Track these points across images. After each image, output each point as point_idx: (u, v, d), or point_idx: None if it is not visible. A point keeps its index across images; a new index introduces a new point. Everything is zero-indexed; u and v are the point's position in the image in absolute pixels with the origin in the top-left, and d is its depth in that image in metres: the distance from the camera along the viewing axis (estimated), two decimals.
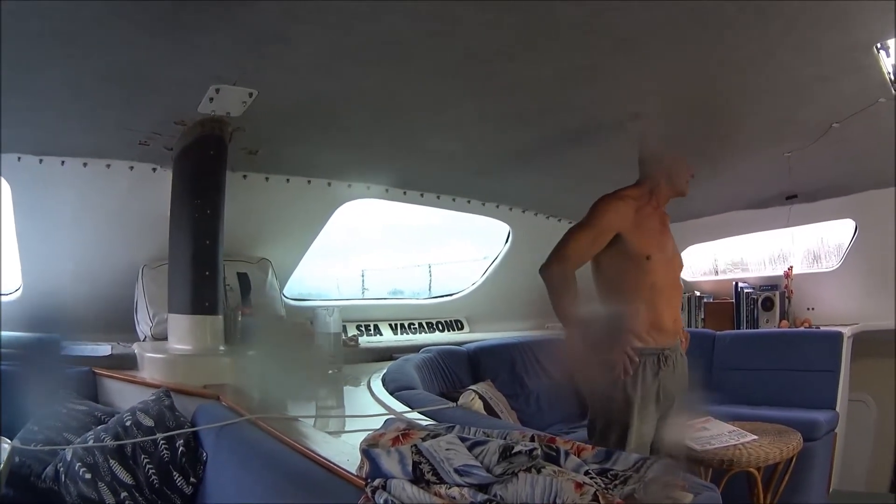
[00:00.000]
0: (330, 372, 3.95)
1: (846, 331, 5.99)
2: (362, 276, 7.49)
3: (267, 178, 4.77)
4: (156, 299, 4.23)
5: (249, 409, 2.84)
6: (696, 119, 4.36)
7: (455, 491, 1.41)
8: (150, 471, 2.81)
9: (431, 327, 6.52)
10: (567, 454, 1.56)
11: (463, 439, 1.60)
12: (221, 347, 3.77)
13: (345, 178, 5.14)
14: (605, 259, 3.78)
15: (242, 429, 2.62)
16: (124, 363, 3.97)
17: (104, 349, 4.13)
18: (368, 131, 4.24)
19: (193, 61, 3.18)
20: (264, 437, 2.45)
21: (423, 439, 1.62)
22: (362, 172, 5.12)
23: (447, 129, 4.30)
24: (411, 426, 1.74)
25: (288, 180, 4.86)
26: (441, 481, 1.47)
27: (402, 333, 6.26)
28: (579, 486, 1.33)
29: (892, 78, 3.88)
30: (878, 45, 3.54)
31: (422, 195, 5.75)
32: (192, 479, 2.82)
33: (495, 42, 3.15)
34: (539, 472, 1.40)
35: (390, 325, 6.22)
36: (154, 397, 3.16)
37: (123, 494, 2.77)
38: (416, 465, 1.52)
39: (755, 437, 4.54)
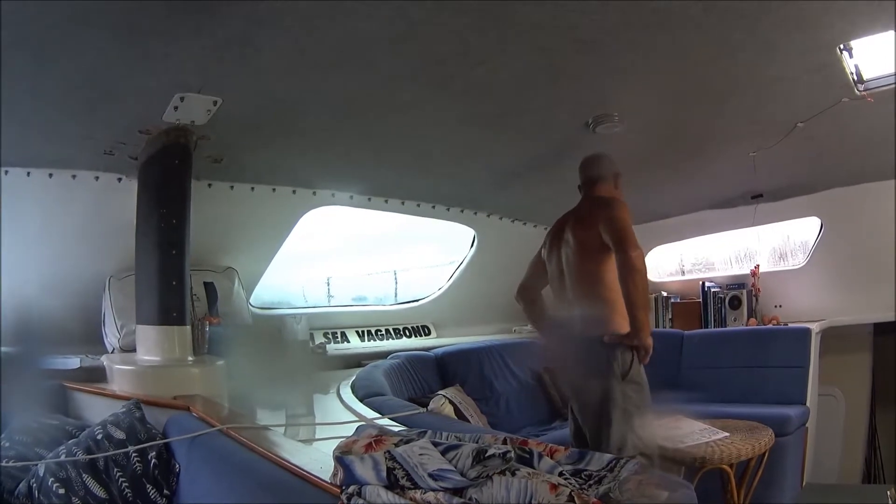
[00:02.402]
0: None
1: (814, 327, 6.05)
2: (328, 283, 7.47)
3: (232, 187, 4.75)
4: (123, 310, 4.20)
5: (220, 418, 2.83)
6: (660, 120, 4.42)
7: (430, 496, 1.41)
8: (124, 484, 2.78)
9: (398, 333, 6.53)
10: (540, 456, 1.57)
11: (436, 444, 1.60)
12: (190, 358, 3.76)
13: (309, 186, 5.14)
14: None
15: (214, 439, 2.60)
16: (93, 376, 3.94)
17: (73, 362, 4.09)
18: (331, 137, 4.25)
19: (157, 69, 3.18)
20: (236, 447, 2.43)
21: (396, 445, 1.62)
22: (326, 179, 5.12)
23: (410, 134, 4.32)
24: (383, 432, 1.74)
25: (253, 188, 4.85)
26: (416, 486, 1.47)
27: (369, 340, 6.26)
28: (554, 487, 1.33)
29: (856, 78, 3.95)
30: (842, 46, 3.59)
31: (386, 201, 5.76)
32: (165, 491, 2.79)
33: (456, 45, 3.17)
34: (514, 474, 1.40)
35: (357, 331, 6.22)
36: (125, 410, 3.13)
37: None
38: (390, 470, 1.52)
39: (726, 434, 4.58)
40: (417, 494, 1.44)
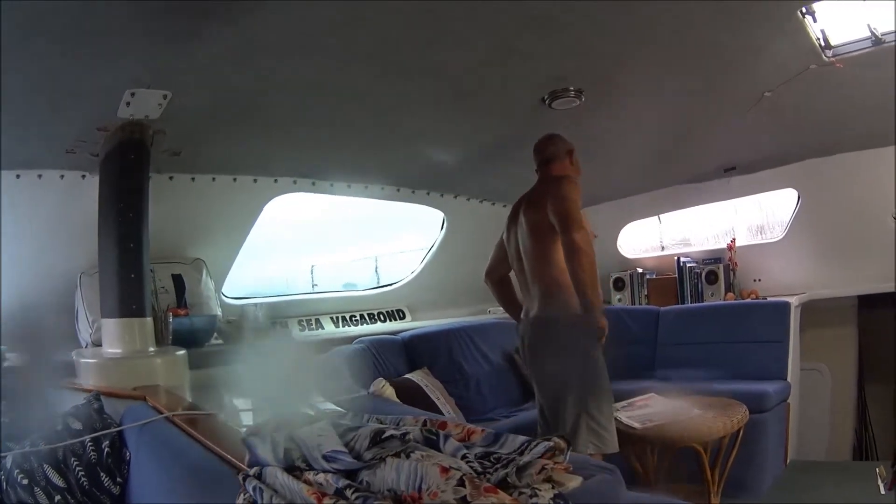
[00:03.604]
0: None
1: (793, 300, 6.03)
2: (311, 271, 7.49)
3: (193, 179, 4.74)
4: (94, 306, 4.20)
5: (174, 407, 2.87)
6: (618, 94, 4.42)
7: (321, 477, 1.42)
8: (80, 473, 2.82)
9: (373, 318, 6.55)
10: (447, 438, 1.55)
11: (338, 426, 1.62)
12: (151, 348, 3.79)
13: (270, 174, 5.14)
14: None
15: (160, 427, 2.64)
16: (67, 371, 3.96)
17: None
18: (288, 124, 4.27)
19: (109, 68, 3.21)
20: (177, 434, 2.47)
21: (300, 427, 1.64)
22: (287, 167, 5.13)
23: (367, 118, 4.33)
24: (294, 415, 1.76)
25: (214, 179, 4.84)
26: (311, 468, 1.49)
27: (343, 326, 6.27)
28: (445, 470, 1.31)
29: (823, 44, 3.92)
30: (804, 10, 3.57)
31: (349, 186, 5.77)
32: (118, 479, 2.83)
33: (405, 28, 3.21)
34: (408, 457, 1.40)
35: (332, 318, 6.23)
36: (84, 402, 3.16)
37: (57, 498, 2.78)
38: (287, 452, 1.54)
39: (699, 411, 4.55)
40: (311, 476, 1.45)
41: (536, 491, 1.33)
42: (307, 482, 1.44)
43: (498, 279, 4.56)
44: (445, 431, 1.62)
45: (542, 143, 4.25)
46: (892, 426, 5.89)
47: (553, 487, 1.37)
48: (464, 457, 1.46)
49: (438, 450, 1.51)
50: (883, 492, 4.73)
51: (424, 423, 1.69)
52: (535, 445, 1.48)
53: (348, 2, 2.93)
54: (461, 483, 1.29)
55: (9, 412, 3.18)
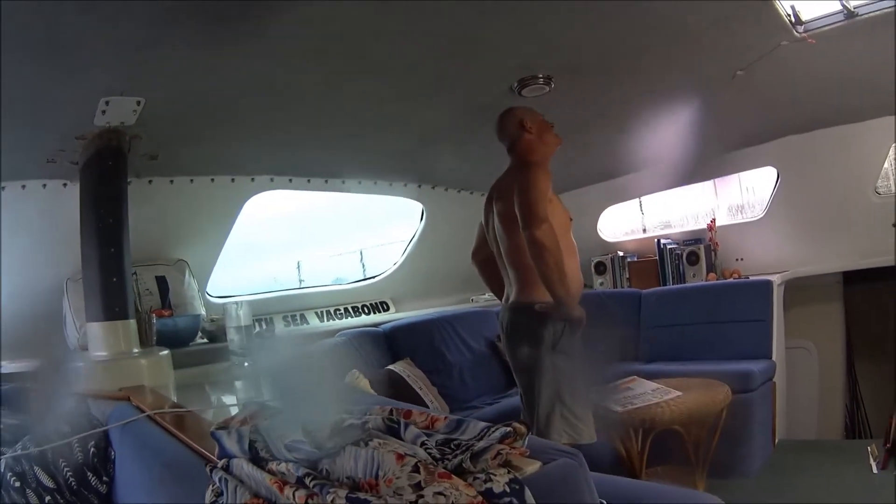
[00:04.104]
0: (245, 365, 4.02)
1: (776, 279, 6.04)
2: (298, 267, 7.53)
3: (171, 181, 4.80)
4: (80, 311, 4.24)
5: (157, 406, 2.92)
6: (588, 78, 4.41)
7: (283, 466, 1.44)
8: (68, 473, 2.87)
9: (357, 311, 6.57)
10: (408, 426, 1.56)
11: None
12: (136, 350, 3.83)
13: (247, 173, 5.21)
14: None
15: (142, 426, 2.69)
16: (32, 377, 3.99)
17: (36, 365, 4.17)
18: (260, 123, 4.32)
19: (81, 78, 3.28)
20: (158, 432, 2.52)
21: (266, 419, 1.68)
22: (262, 165, 5.19)
23: (337, 113, 4.38)
24: (262, 408, 1.78)
25: (192, 180, 4.91)
26: (274, 458, 1.51)
27: (328, 320, 6.31)
28: (401, 457, 1.32)
29: (793, 20, 3.93)
30: None
31: (325, 181, 5.82)
32: (104, 478, 2.89)
33: (364, 23, 3.25)
34: (366, 445, 1.41)
35: (316, 312, 6.27)
36: (73, 404, 3.22)
37: (48, 498, 2.84)
38: (252, 443, 1.57)
39: (679, 393, 4.55)
40: (274, 465, 1.49)
41: (491, 476, 1.33)
42: (271, 472, 1.46)
43: (483, 259, 4.50)
44: (409, 420, 1.63)
45: (497, 126, 4.24)
46: (885, 403, 5.85)
47: (509, 472, 1.37)
48: (423, 444, 1.47)
49: (399, 438, 1.53)
50: (875, 471, 4.74)
51: (390, 412, 1.69)
52: (494, 431, 1.48)
53: (312, 1, 2.99)
54: (416, 469, 1.30)
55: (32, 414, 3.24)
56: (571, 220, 4.17)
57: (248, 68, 3.52)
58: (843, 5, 3.97)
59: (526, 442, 1.52)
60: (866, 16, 3.97)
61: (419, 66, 3.88)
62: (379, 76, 3.92)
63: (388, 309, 6.83)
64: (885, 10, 3.91)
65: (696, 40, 4.05)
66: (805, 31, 4.08)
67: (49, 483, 2.87)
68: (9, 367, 4.09)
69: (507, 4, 3.28)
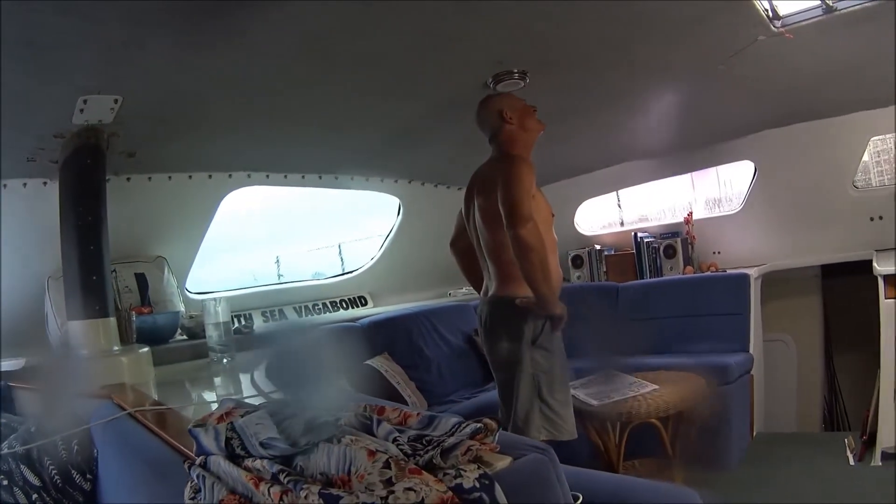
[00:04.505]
0: (224, 361, 4.05)
1: (753, 272, 6.10)
2: (277, 262, 7.53)
3: (150, 178, 4.83)
4: (62, 309, 4.25)
5: (138, 403, 2.93)
6: (564, 73, 4.42)
7: (258, 463, 1.47)
8: (53, 471, 2.90)
9: (336, 306, 6.61)
10: (380, 422, 1.60)
11: (275, 413, 1.67)
12: (116, 348, 3.84)
13: (224, 170, 5.23)
14: None
15: (124, 424, 2.70)
16: (37, 374, 4.00)
17: (19, 363, 4.19)
18: (236, 120, 4.34)
19: (58, 78, 3.29)
20: (139, 429, 2.53)
21: (242, 416, 1.70)
22: (239, 161, 5.22)
23: (313, 109, 4.37)
24: (238, 405, 1.80)
25: (170, 178, 4.93)
26: (250, 455, 1.54)
27: (306, 315, 6.30)
28: (372, 453, 1.35)
29: (771, 15, 3.96)
30: None
31: (303, 177, 5.85)
32: (88, 476, 2.91)
33: (335, 19, 3.27)
34: (339, 441, 1.44)
35: (294, 308, 6.29)
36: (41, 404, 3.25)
37: (34, 496, 2.86)
38: (228, 440, 1.59)
39: (655, 387, 4.61)
40: (250, 462, 1.51)
41: (462, 472, 1.36)
42: (247, 469, 1.49)
43: (462, 249, 4.48)
44: (382, 416, 1.66)
45: (476, 118, 4.20)
46: (863, 396, 5.88)
47: (479, 468, 1.40)
48: (395, 440, 1.50)
49: (372, 434, 1.56)
50: (852, 462, 4.80)
51: (364, 409, 1.72)
52: (465, 427, 1.51)
53: (285, 1, 3.01)
54: (387, 465, 1.33)
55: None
56: (553, 215, 4.17)
57: (224, 66, 3.55)
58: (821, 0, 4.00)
59: (496, 438, 1.55)
60: (845, 10, 4.01)
61: (394, 62, 3.89)
62: (355, 72, 3.94)
63: (365, 304, 6.85)
64: (865, 5, 3.95)
65: (672, 36, 4.07)
66: (783, 26, 4.11)
67: (35, 481, 2.89)
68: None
69: (479, 2, 3.30)
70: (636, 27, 3.91)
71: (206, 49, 3.31)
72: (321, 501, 1.27)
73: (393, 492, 1.26)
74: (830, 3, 3.99)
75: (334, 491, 1.29)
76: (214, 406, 3.12)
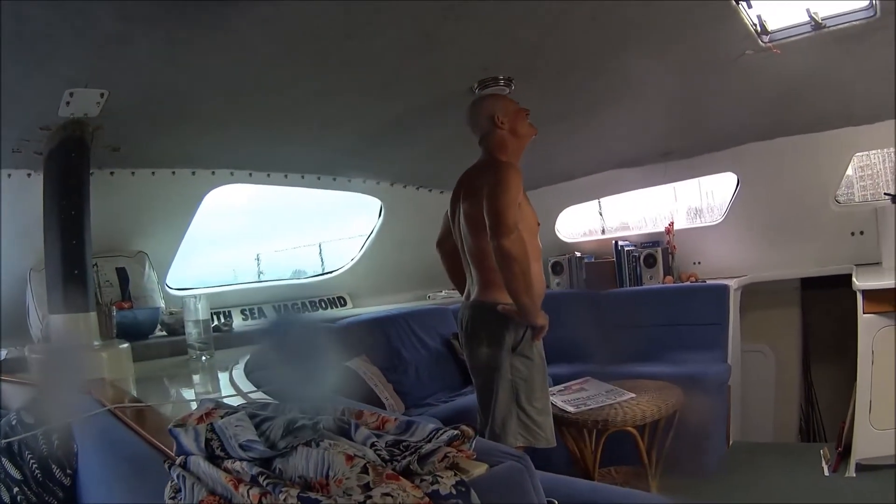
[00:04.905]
0: (203, 359, 4.05)
1: (733, 283, 6.13)
2: (257, 259, 7.52)
3: (133, 173, 4.82)
4: (43, 301, 4.24)
5: (118, 399, 2.93)
6: (550, 81, 4.46)
7: (237, 465, 1.48)
8: (34, 465, 2.88)
9: (315, 305, 6.60)
10: (358, 427, 1.59)
11: (254, 416, 1.68)
12: (96, 343, 3.82)
13: (207, 166, 5.23)
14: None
15: (103, 419, 2.70)
16: (19, 366, 4.01)
17: (0, 354, 4.18)
18: (222, 118, 4.33)
19: (46, 70, 3.30)
20: (118, 426, 2.54)
21: (222, 417, 1.70)
22: (223, 159, 5.22)
23: (299, 108, 4.39)
24: (218, 405, 1.80)
25: (153, 173, 4.93)
26: (229, 456, 1.54)
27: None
28: (350, 458, 1.36)
29: (759, 30, 3.98)
30: None
31: (286, 176, 5.85)
32: (68, 471, 2.90)
33: (324, 20, 3.29)
34: (317, 445, 1.44)
35: (274, 306, 6.28)
36: (36, 396, 3.23)
37: (15, 489, 2.85)
38: (208, 441, 1.59)
39: (633, 395, 4.65)
40: (229, 464, 1.51)
41: (438, 478, 1.38)
42: (226, 470, 1.49)
43: (448, 250, 4.43)
44: (360, 420, 1.67)
45: (466, 119, 4.15)
46: (839, 408, 5.92)
47: (456, 475, 1.42)
48: (373, 445, 1.51)
49: (350, 438, 1.56)
50: (827, 473, 4.85)
51: (342, 413, 1.72)
52: (442, 433, 1.52)
53: (272, 1, 3.02)
54: (365, 470, 1.34)
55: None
56: (539, 224, 4.16)
57: (211, 63, 3.55)
58: (810, 16, 4.02)
59: (473, 445, 1.55)
60: (833, 28, 4.04)
61: (381, 63, 3.90)
62: (341, 72, 3.94)
63: (345, 304, 6.86)
64: (853, 24, 3.99)
65: (658, 46, 4.11)
66: (771, 41, 4.14)
67: (16, 475, 2.88)
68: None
69: (471, 5, 3.31)
70: (623, 37, 3.94)
71: (194, 46, 3.31)
72: None
73: (371, 497, 1.27)
74: (819, 21, 4.02)
75: (313, 495, 1.30)
76: (194, 405, 3.14)
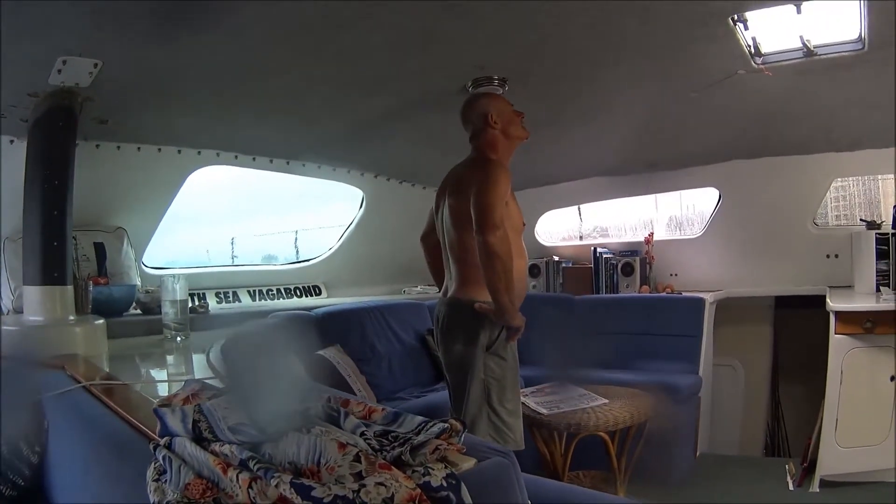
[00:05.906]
0: (178, 339, 4.02)
1: (709, 297, 6.16)
2: (232, 243, 7.48)
3: (119, 147, 4.78)
4: (16, 272, 4.20)
5: (92, 376, 2.89)
6: (542, 85, 4.47)
7: (227, 448, 1.45)
8: None
9: (290, 293, 6.58)
10: (347, 415, 1.58)
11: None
12: (71, 317, 3.79)
13: (193, 146, 5.20)
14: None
15: (78, 396, 2.66)
16: None
17: None
18: (212, 99, 4.33)
19: (40, 35, 3.25)
20: (94, 403, 2.50)
21: (209, 399, 1.68)
22: (210, 139, 5.20)
23: (289, 96, 4.39)
24: (204, 387, 1.78)
25: (139, 149, 4.89)
26: (217, 439, 1.52)
27: (260, 300, 6.31)
28: (342, 446, 1.34)
29: (752, 51, 4.01)
30: (735, 17, 3.64)
31: (271, 161, 5.84)
32: (36, 448, 2.84)
33: (321, 10, 3.28)
34: (308, 431, 1.42)
35: (249, 291, 6.27)
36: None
37: None
38: (195, 423, 1.56)
39: (605, 400, 4.63)
40: (217, 447, 1.49)
41: (430, 470, 1.37)
42: (214, 453, 1.47)
43: (431, 245, 4.36)
44: (347, 409, 1.65)
45: (461, 115, 4.08)
46: (805, 424, 5.98)
47: (446, 467, 1.41)
48: (362, 434, 1.49)
49: (339, 426, 1.55)
50: (791, 488, 4.92)
51: (329, 400, 1.71)
52: (432, 426, 1.51)
53: None
54: (357, 459, 1.32)
55: None
56: (525, 224, 4.16)
57: (205, 45, 3.54)
58: (803, 42, 4.08)
59: (462, 439, 1.55)
60: (824, 56, 4.11)
61: (376, 57, 3.90)
62: (333, 64, 3.94)
63: (320, 293, 6.84)
64: (842, 54, 4.08)
65: (653, 59, 4.13)
66: (763, 63, 4.18)
67: None
68: None
69: (472, 4, 3.31)
70: (619, 47, 3.96)
71: (189, 27, 3.29)
72: (293, 491, 1.25)
73: (364, 486, 1.25)
74: (811, 48, 4.09)
75: (306, 482, 1.28)
76: (165, 385, 3.11)
